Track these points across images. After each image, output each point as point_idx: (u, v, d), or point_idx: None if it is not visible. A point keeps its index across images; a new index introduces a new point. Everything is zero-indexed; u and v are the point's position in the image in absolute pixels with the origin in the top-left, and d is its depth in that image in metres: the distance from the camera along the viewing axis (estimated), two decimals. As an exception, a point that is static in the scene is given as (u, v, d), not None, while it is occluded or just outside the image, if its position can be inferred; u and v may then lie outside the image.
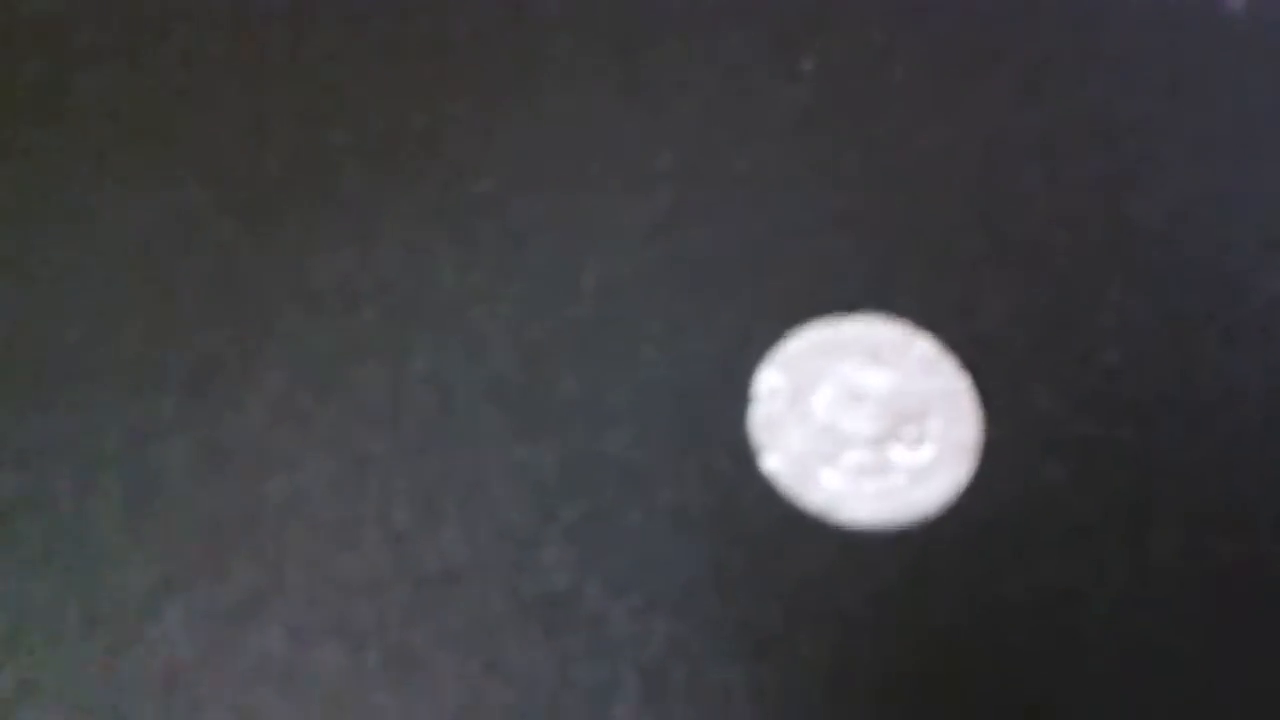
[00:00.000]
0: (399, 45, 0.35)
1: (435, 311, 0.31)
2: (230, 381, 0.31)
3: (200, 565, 0.29)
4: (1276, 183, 0.33)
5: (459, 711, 0.28)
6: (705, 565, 0.29)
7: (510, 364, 0.31)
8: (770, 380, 0.31)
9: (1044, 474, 0.30)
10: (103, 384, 0.31)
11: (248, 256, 0.32)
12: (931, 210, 0.33)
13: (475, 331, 0.31)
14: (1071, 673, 0.28)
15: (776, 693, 0.28)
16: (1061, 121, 0.34)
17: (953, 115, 0.34)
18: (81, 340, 0.31)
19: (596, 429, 0.30)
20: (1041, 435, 0.30)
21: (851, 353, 0.31)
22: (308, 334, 0.31)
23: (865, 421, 0.30)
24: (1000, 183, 0.33)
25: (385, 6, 0.35)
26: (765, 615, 0.29)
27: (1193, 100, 0.34)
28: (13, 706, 0.27)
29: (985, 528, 0.29)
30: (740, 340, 0.31)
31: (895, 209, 0.33)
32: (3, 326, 0.31)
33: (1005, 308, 0.32)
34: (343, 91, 0.34)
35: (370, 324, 0.31)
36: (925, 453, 0.30)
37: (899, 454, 0.30)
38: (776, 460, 0.30)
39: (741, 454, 0.30)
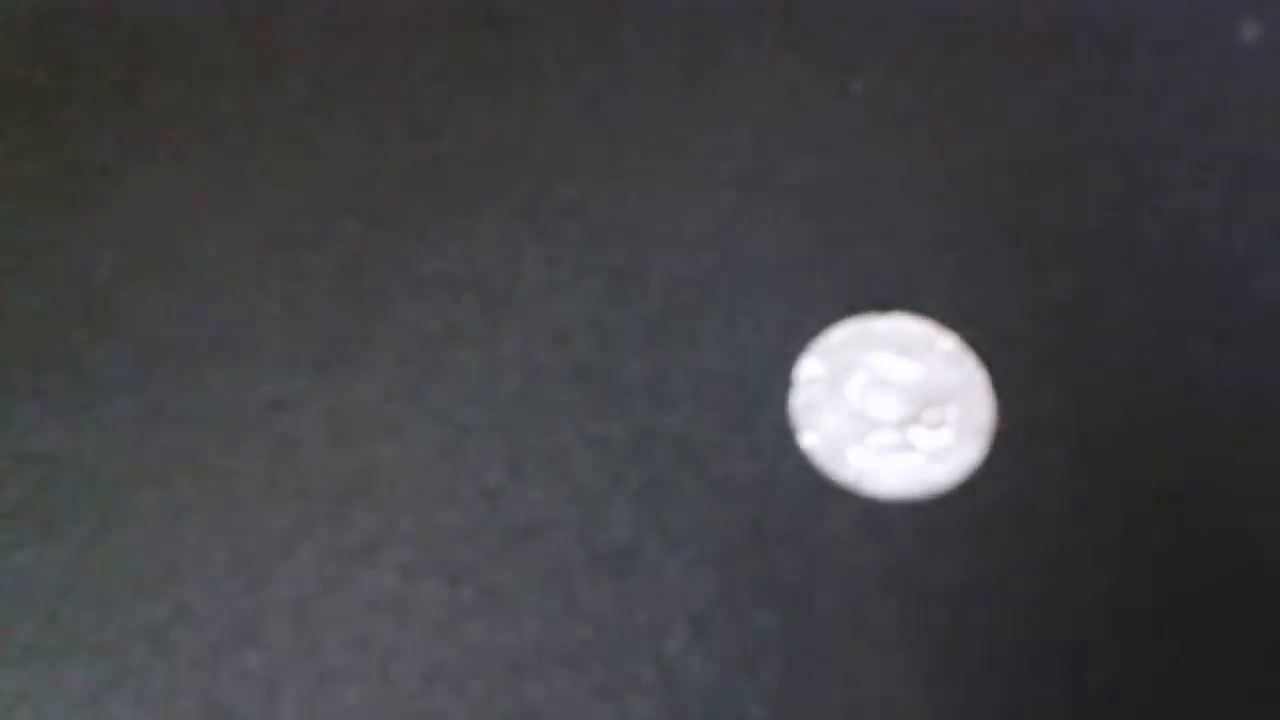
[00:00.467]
0: (497, 68, 0.35)
1: (523, 301, 0.32)
2: (351, 360, 0.31)
3: (326, 514, 0.30)
4: (1276, 199, 0.33)
5: (538, 642, 0.29)
6: (748, 527, 0.30)
7: (586, 349, 0.31)
8: (810, 368, 0.31)
9: (1048, 459, 0.30)
10: (245, 360, 0.31)
11: (366, 251, 0.33)
12: (961, 221, 0.33)
13: (557, 320, 0.32)
14: (1063, 634, 0.29)
15: (803, 638, 0.29)
16: (1084, 142, 0.34)
17: (985, 135, 0.34)
18: (227, 322, 0.32)
19: (659, 408, 0.31)
20: (1048, 425, 0.31)
21: (883, 346, 0.31)
22: (416, 319, 0.32)
23: (892, 407, 0.31)
24: (1025, 197, 0.33)
25: (486, 36, 0.35)
26: (797, 572, 0.29)
27: (1202, 123, 0.34)
28: (168, 629, 0.29)
29: (993, 504, 0.30)
30: (786, 333, 0.31)
31: (929, 219, 0.33)
32: (163, 309, 0.32)
33: (1022, 310, 0.32)
34: (449, 107, 0.34)
35: (469, 311, 0.32)
36: (943, 436, 0.30)
37: (920, 436, 0.30)
38: (813, 438, 0.31)
39: (783, 432, 0.30)
